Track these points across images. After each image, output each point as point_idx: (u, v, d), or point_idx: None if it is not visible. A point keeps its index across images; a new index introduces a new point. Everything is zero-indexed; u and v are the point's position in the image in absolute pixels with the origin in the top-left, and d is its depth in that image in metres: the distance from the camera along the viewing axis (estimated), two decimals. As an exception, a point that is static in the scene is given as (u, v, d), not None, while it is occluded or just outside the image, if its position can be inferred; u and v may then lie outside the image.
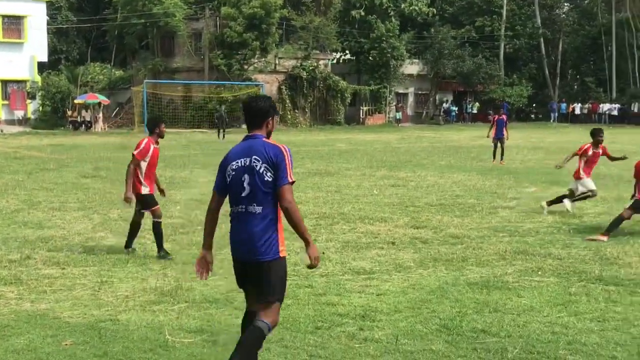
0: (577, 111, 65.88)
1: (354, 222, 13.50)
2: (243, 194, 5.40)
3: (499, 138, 26.30)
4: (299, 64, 56.02)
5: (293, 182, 5.37)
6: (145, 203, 10.71)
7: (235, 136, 39.79)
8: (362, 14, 60.95)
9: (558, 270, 9.66)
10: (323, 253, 10.64)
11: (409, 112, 66.98)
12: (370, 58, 60.64)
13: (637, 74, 65.92)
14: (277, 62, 55.85)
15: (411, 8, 63.06)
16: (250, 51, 51.34)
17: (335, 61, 63.50)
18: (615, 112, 63.72)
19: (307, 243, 5.40)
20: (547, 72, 71.13)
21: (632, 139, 41.92)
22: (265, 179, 5.33)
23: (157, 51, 55.80)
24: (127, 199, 10.48)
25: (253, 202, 5.36)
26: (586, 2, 75.62)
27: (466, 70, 64.65)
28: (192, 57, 54.54)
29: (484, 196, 17.15)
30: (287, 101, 55.34)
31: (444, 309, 7.87)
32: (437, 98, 68.37)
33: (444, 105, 67.59)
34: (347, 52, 63.83)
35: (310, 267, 5.47)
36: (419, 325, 7.31)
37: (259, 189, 5.35)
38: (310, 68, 55.91)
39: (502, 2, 68.35)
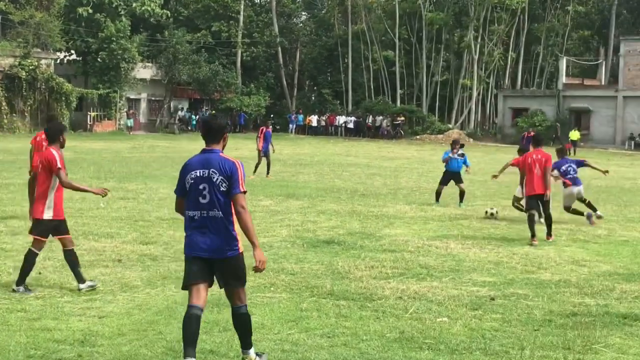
0: (314, 123, 68.61)
1: (76, 238, 13.00)
2: (203, 201, 6.56)
3: (265, 151, 26.04)
4: (17, 63, 53.53)
5: (245, 192, 6.57)
6: (52, 229, 9.44)
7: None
8: (90, 11, 59.29)
9: (291, 286, 9.99)
10: (40, 273, 10.23)
11: (142, 119, 66.16)
12: (98, 59, 59.19)
13: (372, 87, 69.90)
14: (-9, 60, 53.02)
15: (143, 8, 62.33)
16: (-40, 46, 48.34)
17: (59, 61, 61.16)
18: (351, 125, 67.09)
19: (253, 246, 6.51)
20: (284, 82, 73.50)
21: (366, 152, 44.56)
22: (221, 189, 6.54)
23: None
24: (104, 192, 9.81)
25: (214, 208, 6.54)
26: (323, 12, 79.12)
27: (202, 76, 65.10)
28: None
29: (218, 210, 17.30)
30: (4, 104, 52.70)
31: (172, 330, 7.84)
32: (172, 105, 68.18)
33: (179, 113, 67.54)
34: (73, 52, 61.77)
35: (255, 270, 6.53)
36: (143, 349, 7.22)
37: (217, 197, 6.54)
38: (31, 68, 53.67)
39: (239, 7, 69.75)
